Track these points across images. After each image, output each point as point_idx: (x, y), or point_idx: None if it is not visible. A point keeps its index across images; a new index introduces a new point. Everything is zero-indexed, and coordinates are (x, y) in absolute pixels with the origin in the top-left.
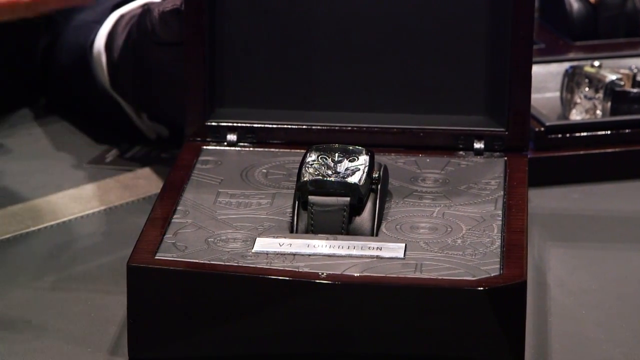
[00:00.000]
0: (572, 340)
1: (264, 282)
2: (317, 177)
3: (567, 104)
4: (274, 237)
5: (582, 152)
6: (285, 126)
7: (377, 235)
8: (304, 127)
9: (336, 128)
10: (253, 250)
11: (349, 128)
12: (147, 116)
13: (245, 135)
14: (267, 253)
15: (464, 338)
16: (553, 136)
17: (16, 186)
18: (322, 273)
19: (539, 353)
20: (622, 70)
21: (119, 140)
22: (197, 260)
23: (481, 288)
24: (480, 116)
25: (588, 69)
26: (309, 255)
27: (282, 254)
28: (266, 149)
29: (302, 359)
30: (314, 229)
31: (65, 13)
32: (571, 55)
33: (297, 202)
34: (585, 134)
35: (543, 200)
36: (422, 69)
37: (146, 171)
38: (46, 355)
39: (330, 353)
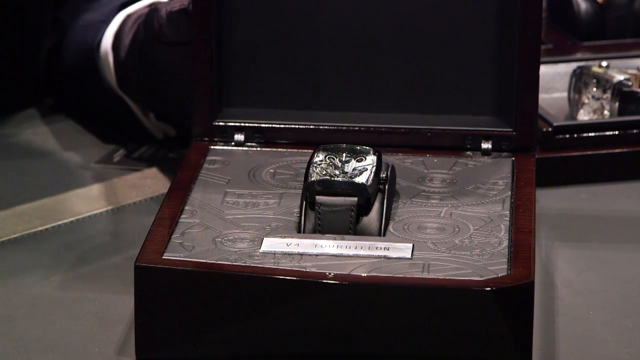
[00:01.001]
0: (580, 341)
1: (271, 282)
2: (324, 177)
3: (574, 104)
4: (281, 237)
5: (589, 153)
6: (293, 126)
7: (384, 235)
8: (312, 127)
9: (344, 128)
10: (260, 250)
11: (357, 128)
12: (154, 116)
13: (252, 135)
14: (274, 253)
15: (471, 338)
16: (561, 136)
17: (24, 186)
18: (330, 273)
19: (547, 353)
20: (630, 71)
21: (126, 140)
22: (204, 260)
23: (489, 288)
24: (487, 116)
25: (596, 69)
26: (317, 255)
27: (290, 254)
28: (274, 149)
29: (310, 358)
30: (321, 229)
31: (72, 13)
32: (579, 55)
33: (304, 202)
34: (592, 134)
35: (550, 201)
36: (430, 69)
37: (153, 171)
38: (54, 354)
39: (338, 353)
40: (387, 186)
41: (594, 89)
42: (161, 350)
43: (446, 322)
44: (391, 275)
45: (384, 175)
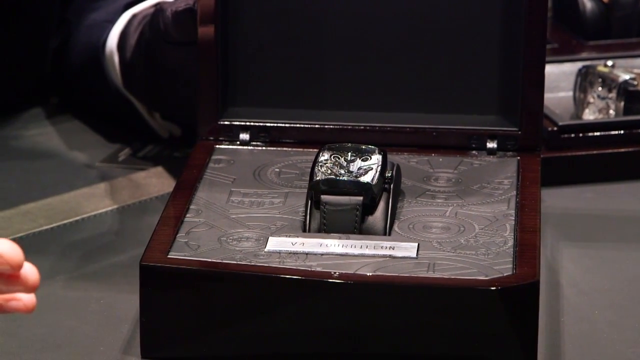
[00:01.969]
0: (585, 340)
1: (276, 282)
2: (329, 177)
3: (580, 104)
4: (286, 236)
5: (595, 152)
6: (298, 125)
7: (389, 234)
8: (317, 126)
9: (349, 127)
10: (265, 250)
11: (362, 127)
12: (159, 115)
13: (258, 134)
14: (279, 252)
15: (476, 338)
16: (566, 136)
17: (29, 185)
18: (335, 272)
19: (552, 353)
20: (636, 70)
21: (132, 139)
22: (209, 260)
23: (494, 288)
24: (493, 116)
25: (601, 68)
26: (322, 254)
27: (295, 253)
28: (279, 148)
29: (315, 358)
30: (326, 228)
31: (78, 12)
32: (584, 54)
33: (309, 202)
34: (598, 133)
35: (556, 200)
36: (435, 69)
37: (159, 170)
38: (59, 354)
39: (343, 352)
40: (392, 185)
41: (600, 89)
42: (166, 349)
43: (451, 322)
44: (396, 274)
45: (389, 175)
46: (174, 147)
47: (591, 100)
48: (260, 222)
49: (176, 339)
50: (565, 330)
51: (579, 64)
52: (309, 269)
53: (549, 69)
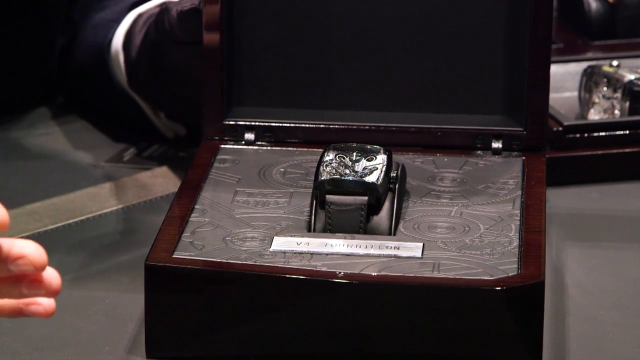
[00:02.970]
0: (590, 341)
1: (281, 281)
2: (334, 176)
3: (585, 104)
4: (291, 236)
5: (600, 152)
6: (303, 125)
7: (394, 234)
8: (322, 126)
9: (354, 127)
10: (270, 249)
11: (367, 127)
12: (164, 115)
13: (263, 134)
14: (284, 252)
15: (481, 338)
16: (571, 136)
17: (34, 184)
18: (340, 272)
19: (557, 353)
20: None
21: (137, 139)
22: (214, 259)
23: (499, 288)
24: (498, 116)
25: (606, 68)
26: (327, 254)
27: (300, 253)
28: (284, 148)
29: (320, 358)
30: (331, 228)
31: (83, 12)
32: (589, 54)
33: (314, 201)
34: (603, 133)
35: (561, 200)
36: (440, 68)
37: (164, 170)
38: (64, 353)
39: (348, 352)
40: (397, 185)
41: (605, 89)
42: (171, 349)
43: (456, 322)
44: (401, 274)
45: (394, 175)
46: (179, 146)
47: (596, 100)
48: (265, 222)
49: (181, 339)
50: (570, 330)
51: (584, 64)
52: (314, 269)
53: (554, 68)
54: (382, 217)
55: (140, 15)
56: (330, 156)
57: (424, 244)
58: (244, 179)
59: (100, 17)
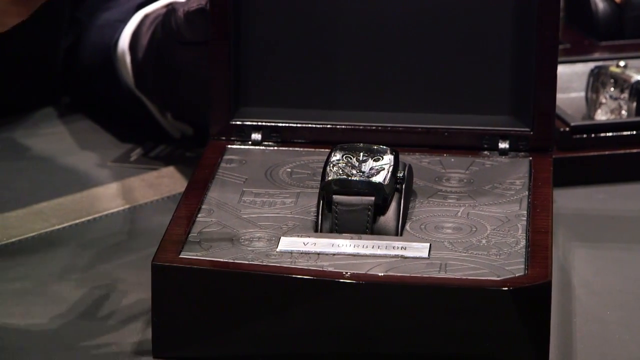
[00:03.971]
0: (597, 341)
1: (288, 281)
2: (341, 177)
3: (592, 104)
4: (298, 236)
5: (607, 153)
6: (310, 125)
7: (401, 234)
8: (329, 126)
9: (361, 127)
10: (277, 250)
11: (374, 127)
12: (171, 115)
13: (269, 134)
14: (291, 252)
15: (488, 338)
16: (578, 136)
17: (40, 184)
18: (347, 272)
19: (564, 353)
20: None
21: (143, 139)
22: (221, 259)
23: (506, 288)
24: (505, 116)
25: (613, 69)
26: (334, 254)
27: (307, 253)
28: (291, 148)
29: (326, 358)
30: (338, 229)
31: (89, 12)
32: (596, 55)
33: (321, 202)
34: (610, 134)
35: (568, 201)
36: (447, 69)
37: (170, 170)
38: (70, 353)
39: (354, 352)
40: (404, 186)
41: (612, 89)
42: (178, 349)
43: (463, 322)
44: (408, 274)
45: (401, 175)
46: (185, 147)
47: (603, 100)
48: (272, 222)
49: (188, 339)
50: (577, 330)
51: (591, 65)
52: (321, 269)
53: (561, 69)
54: (389, 218)
55: (147, 16)
56: (337, 156)
57: (430, 245)
58: (251, 179)
59: (106, 18)
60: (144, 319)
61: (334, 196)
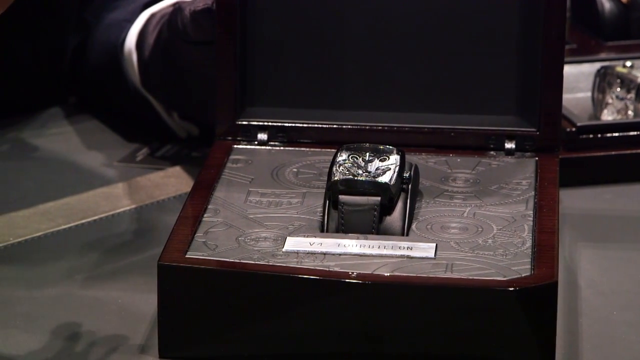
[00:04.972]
0: (603, 341)
1: (294, 281)
2: (347, 177)
3: (598, 105)
4: (304, 236)
5: (613, 153)
6: (316, 125)
7: (407, 235)
8: (335, 126)
9: (367, 127)
10: (283, 250)
11: (380, 127)
12: (177, 115)
13: (275, 134)
14: (297, 252)
15: (494, 338)
16: (584, 136)
17: (47, 184)
18: (353, 272)
19: (570, 354)
20: None
21: (150, 138)
22: (227, 259)
23: (512, 288)
24: (511, 116)
25: (620, 69)
26: (340, 254)
27: (313, 253)
28: (297, 148)
29: (332, 358)
30: (344, 229)
31: (96, 12)
32: (603, 55)
33: (327, 202)
34: (616, 134)
35: (574, 201)
36: (453, 69)
37: (177, 170)
38: (77, 353)
39: (360, 352)
40: (410, 186)
41: (618, 89)
42: (184, 349)
43: (469, 322)
44: (414, 275)
45: (407, 175)
46: (192, 146)
47: (610, 100)
48: (278, 222)
49: (194, 339)
50: (583, 331)
51: (598, 65)
52: (327, 269)
53: (568, 69)
54: (395, 218)
55: (153, 15)
56: (343, 156)
57: (436, 245)
58: (257, 179)
59: (113, 17)
60: (151, 319)
61: (340, 196)
